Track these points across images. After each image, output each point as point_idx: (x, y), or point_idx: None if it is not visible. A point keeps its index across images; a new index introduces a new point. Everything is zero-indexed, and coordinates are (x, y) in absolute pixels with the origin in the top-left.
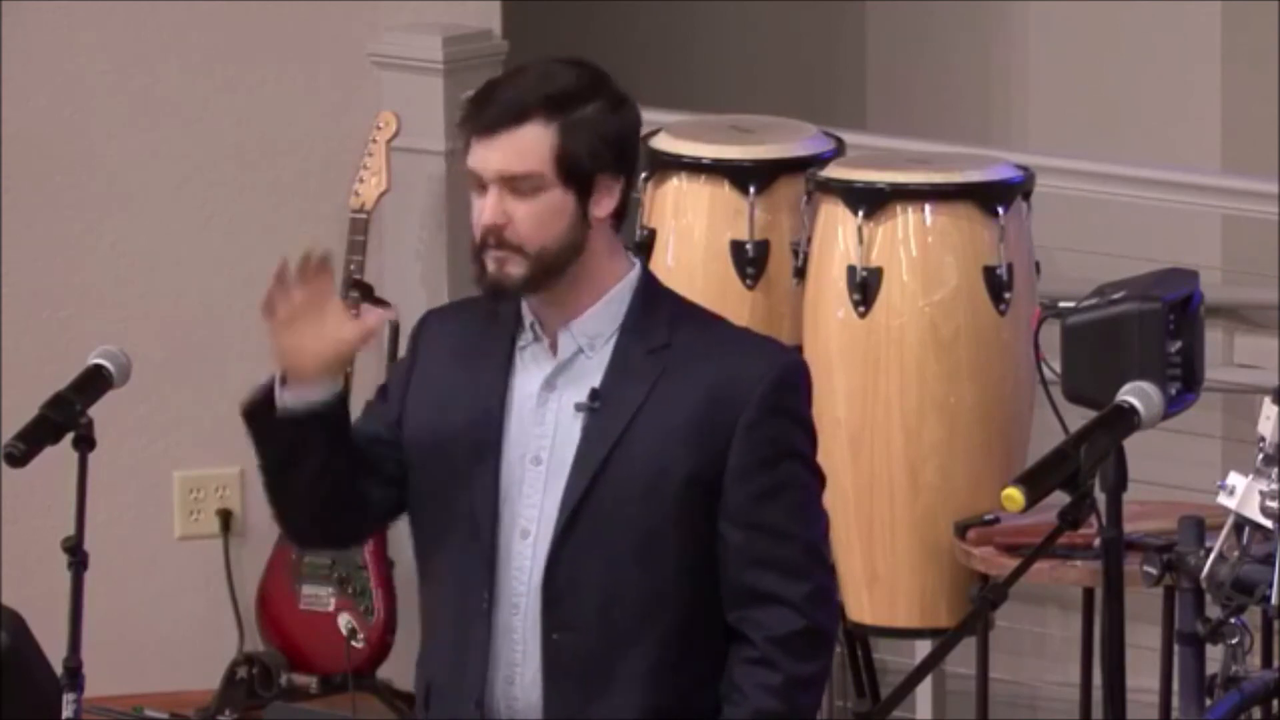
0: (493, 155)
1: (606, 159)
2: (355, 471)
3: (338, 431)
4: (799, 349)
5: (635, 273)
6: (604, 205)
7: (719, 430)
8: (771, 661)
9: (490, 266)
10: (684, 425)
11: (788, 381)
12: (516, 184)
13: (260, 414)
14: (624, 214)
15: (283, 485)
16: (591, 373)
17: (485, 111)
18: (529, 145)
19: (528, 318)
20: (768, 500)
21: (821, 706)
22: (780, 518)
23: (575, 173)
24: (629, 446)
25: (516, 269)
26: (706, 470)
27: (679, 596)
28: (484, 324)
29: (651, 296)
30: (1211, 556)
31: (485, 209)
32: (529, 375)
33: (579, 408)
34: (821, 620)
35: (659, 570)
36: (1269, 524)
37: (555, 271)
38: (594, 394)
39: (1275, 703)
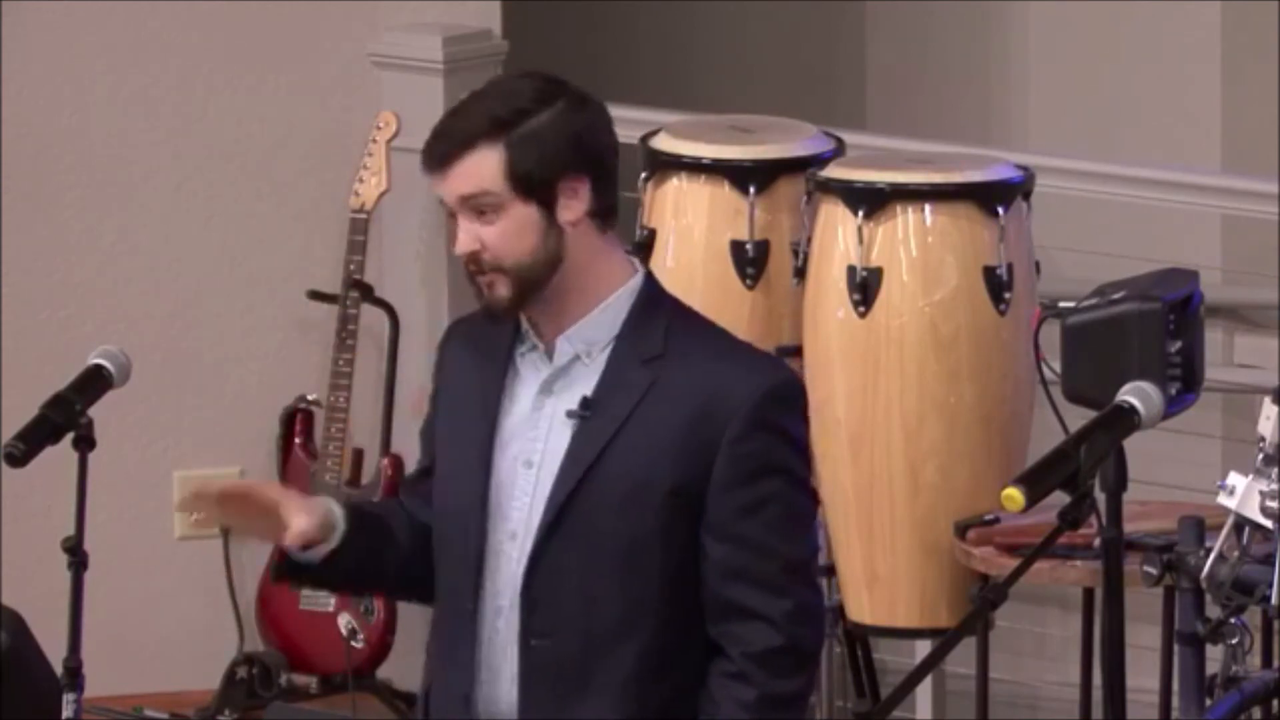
0: (447, 184)
1: (564, 162)
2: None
3: (378, 540)
4: (799, 350)
5: (636, 280)
6: (572, 209)
7: (706, 443)
8: (747, 676)
9: (482, 291)
10: (671, 437)
11: (777, 397)
12: (477, 204)
13: (295, 573)
14: (609, 215)
15: (383, 592)
16: (586, 380)
17: (436, 148)
18: (476, 167)
19: (525, 325)
20: (749, 515)
21: (821, 706)
22: (762, 533)
23: (531, 183)
24: (615, 455)
25: (503, 289)
26: (691, 482)
27: (660, 607)
28: (492, 331)
29: (651, 304)
30: (1211, 556)
31: (458, 239)
32: (527, 381)
33: (570, 415)
34: (801, 638)
35: (641, 580)
36: (1269, 524)
37: (538, 285)
38: (585, 402)
39: (1275, 703)
